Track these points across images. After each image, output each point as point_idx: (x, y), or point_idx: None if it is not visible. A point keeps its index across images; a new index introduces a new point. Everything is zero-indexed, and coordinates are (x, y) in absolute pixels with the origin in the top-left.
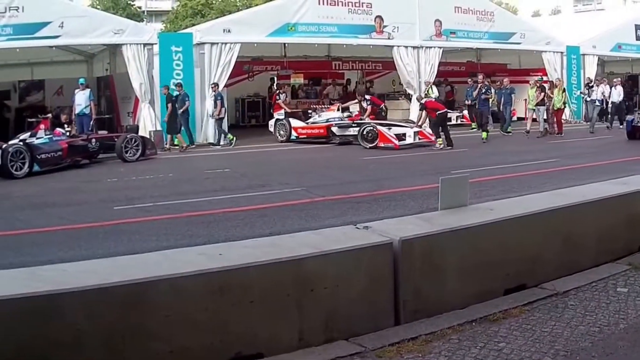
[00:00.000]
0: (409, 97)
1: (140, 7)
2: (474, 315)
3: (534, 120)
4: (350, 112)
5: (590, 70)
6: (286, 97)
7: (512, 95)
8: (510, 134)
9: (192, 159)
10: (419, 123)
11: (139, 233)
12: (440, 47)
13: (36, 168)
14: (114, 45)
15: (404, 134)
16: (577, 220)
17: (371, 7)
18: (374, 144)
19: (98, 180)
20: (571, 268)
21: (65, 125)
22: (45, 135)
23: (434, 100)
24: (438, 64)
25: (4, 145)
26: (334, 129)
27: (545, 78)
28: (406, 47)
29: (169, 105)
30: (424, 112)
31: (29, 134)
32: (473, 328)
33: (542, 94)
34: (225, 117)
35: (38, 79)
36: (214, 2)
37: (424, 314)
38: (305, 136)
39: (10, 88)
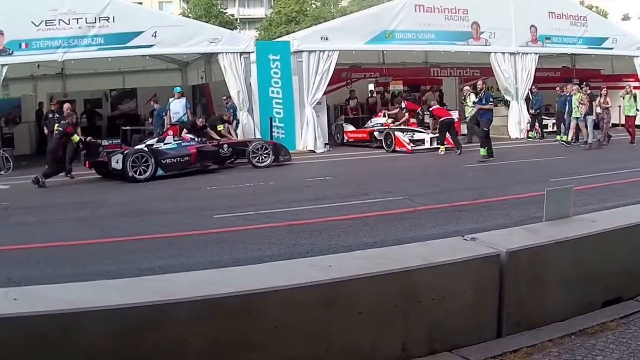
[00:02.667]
0: (507, 104)
1: (233, 15)
2: (574, 328)
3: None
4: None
5: None
6: (356, 102)
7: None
8: (569, 145)
9: (292, 166)
10: (433, 129)
11: (241, 242)
12: (536, 53)
13: (160, 172)
14: (209, 54)
15: (423, 140)
16: None
17: (467, 14)
18: (392, 148)
19: (197, 188)
20: None
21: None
22: (174, 141)
23: (441, 107)
24: (534, 70)
25: (126, 151)
26: (376, 134)
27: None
28: (503, 53)
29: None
30: (432, 119)
31: (156, 139)
32: (572, 341)
33: (590, 102)
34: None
35: (130, 88)
36: (308, 9)
37: (525, 326)
38: (352, 139)
39: (102, 96)
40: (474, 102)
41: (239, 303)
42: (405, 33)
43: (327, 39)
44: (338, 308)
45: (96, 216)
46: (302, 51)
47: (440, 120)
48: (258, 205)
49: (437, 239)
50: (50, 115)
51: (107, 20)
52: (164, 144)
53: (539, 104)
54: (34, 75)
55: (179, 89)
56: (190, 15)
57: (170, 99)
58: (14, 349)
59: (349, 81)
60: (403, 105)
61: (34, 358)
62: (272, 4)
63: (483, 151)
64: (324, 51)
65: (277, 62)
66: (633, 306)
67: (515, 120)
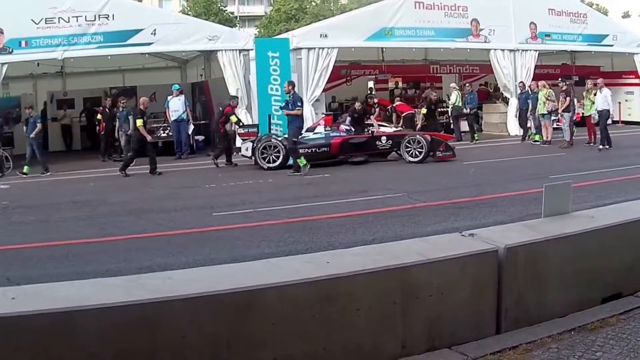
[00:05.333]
0: (506, 101)
1: (232, 13)
2: (573, 324)
3: (555, 128)
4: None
5: None
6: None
7: (529, 100)
8: (538, 142)
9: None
10: (396, 123)
11: (239, 239)
12: (536, 50)
13: (291, 162)
14: (209, 52)
15: None
16: None
17: (467, 11)
18: None
19: (197, 186)
20: None
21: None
22: (325, 131)
23: (403, 103)
24: (534, 67)
25: (257, 139)
26: None
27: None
28: (502, 50)
29: None
30: (394, 114)
31: (305, 129)
32: (572, 337)
33: (568, 98)
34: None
35: (130, 86)
36: (307, 6)
37: (524, 323)
38: None
39: (102, 94)
40: (280, 107)
41: (236, 300)
42: (405, 30)
43: (326, 36)
44: (336, 305)
45: (96, 215)
46: (301, 48)
47: (403, 115)
48: (257, 203)
49: (436, 235)
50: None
51: (106, 18)
52: (314, 133)
53: (474, 103)
54: (34, 73)
55: (177, 86)
56: (189, 12)
57: (169, 97)
58: (12, 348)
59: (348, 78)
60: (375, 101)
61: (33, 357)
62: (272, 1)
63: (302, 161)
64: (323, 48)
65: (276, 59)
66: (633, 302)
67: (515, 117)
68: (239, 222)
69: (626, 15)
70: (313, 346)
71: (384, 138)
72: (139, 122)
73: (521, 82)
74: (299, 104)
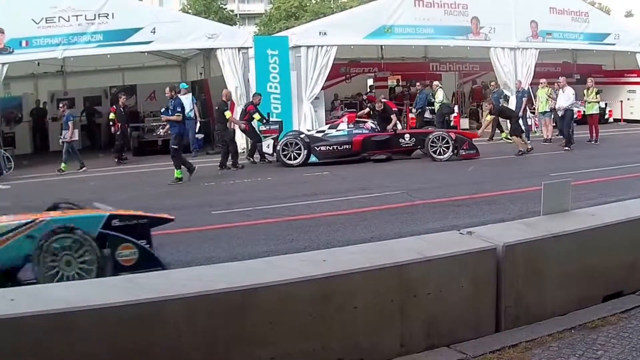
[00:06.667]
0: (506, 99)
1: (232, 11)
2: (574, 322)
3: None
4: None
5: None
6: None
7: (501, 99)
8: (510, 142)
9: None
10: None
11: (238, 238)
12: (536, 49)
13: (313, 159)
14: (208, 50)
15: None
16: None
17: (467, 9)
18: None
19: (196, 184)
20: None
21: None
22: (348, 128)
23: (391, 101)
24: (534, 65)
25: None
26: None
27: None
28: (503, 48)
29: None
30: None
31: (328, 126)
32: (572, 335)
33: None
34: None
35: (130, 84)
36: (307, 4)
37: (524, 321)
38: None
39: (102, 94)
40: (161, 112)
41: (233, 299)
42: (404, 28)
43: (325, 34)
44: (333, 303)
45: None
46: (300, 46)
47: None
48: (256, 201)
49: (434, 233)
50: None
51: (106, 16)
52: (337, 130)
53: (422, 104)
54: (35, 73)
55: (185, 85)
56: (190, 11)
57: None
58: (12, 349)
59: (347, 76)
60: (364, 98)
61: (32, 358)
62: None
63: (178, 173)
64: (322, 46)
65: (275, 57)
66: (634, 300)
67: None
68: (238, 221)
69: (629, 14)
70: (311, 345)
71: (407, 135)
72: (228, 113)
73: (492, 81)
74: (179, 109)
